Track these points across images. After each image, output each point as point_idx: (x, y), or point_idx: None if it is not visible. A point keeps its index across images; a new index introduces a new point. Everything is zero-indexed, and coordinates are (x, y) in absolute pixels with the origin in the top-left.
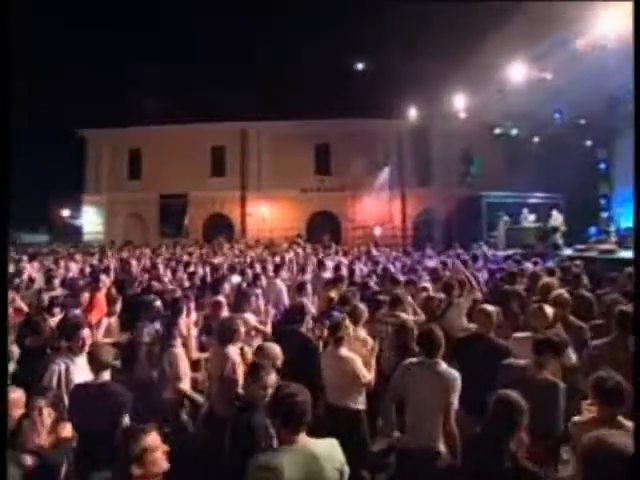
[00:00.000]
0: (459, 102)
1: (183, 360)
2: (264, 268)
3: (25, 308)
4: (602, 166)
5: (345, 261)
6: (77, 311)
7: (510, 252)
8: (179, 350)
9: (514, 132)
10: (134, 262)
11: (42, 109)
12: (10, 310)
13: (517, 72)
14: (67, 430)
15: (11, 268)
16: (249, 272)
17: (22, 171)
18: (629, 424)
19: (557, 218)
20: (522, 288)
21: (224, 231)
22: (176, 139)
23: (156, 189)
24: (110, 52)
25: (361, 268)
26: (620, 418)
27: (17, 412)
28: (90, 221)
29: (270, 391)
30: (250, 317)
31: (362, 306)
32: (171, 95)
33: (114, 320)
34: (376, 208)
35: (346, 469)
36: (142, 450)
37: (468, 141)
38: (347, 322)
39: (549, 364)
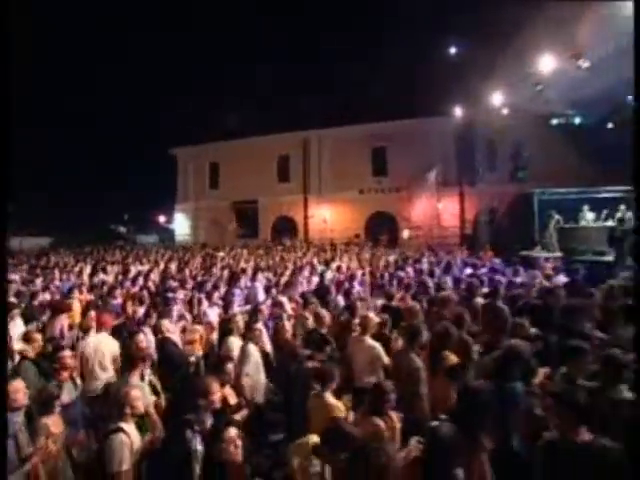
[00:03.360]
0: (499, 97)
1: None
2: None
3: None
4: None
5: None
6: None
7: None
8: None
9: (577, 121)
10: None
11: (143, 132)
12: None
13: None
14: None
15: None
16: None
17: (131, 185)
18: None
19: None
20: None
21: (289, 232)
22: (247, 151)
23: (231, 196)
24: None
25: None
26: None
27: None
28: (180, 225)
29: None
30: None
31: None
32: (241, 111)
33: None
34: (428, 208)
35: None
36: None
37: (519, 135)
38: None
39: None
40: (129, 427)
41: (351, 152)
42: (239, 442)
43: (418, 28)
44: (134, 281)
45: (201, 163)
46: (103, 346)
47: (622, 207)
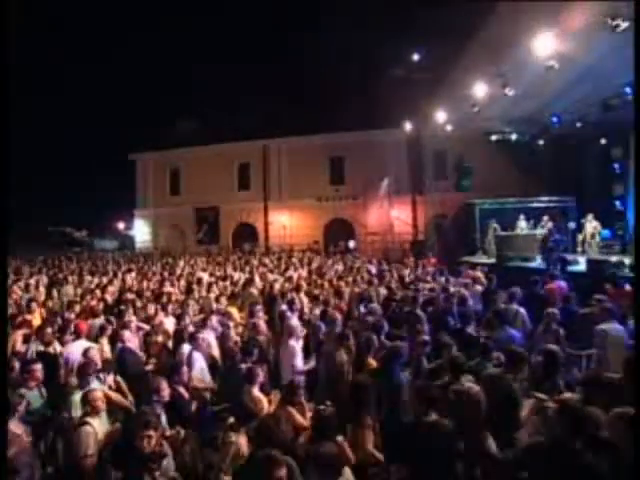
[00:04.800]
0: (444, 115)
1: None
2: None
3: None
4: (617, 166)
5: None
6: None
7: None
8: None
9: (514, 137)
10: None
11: (101, 137)
12: None
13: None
14: None
15: None
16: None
17: (87, 188)
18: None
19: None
20: None
21: (250, 238)
22: (208, 158)
23: (192, 203)
24: (142, 85)
25: None
26: None
27: None
28: (140, 232)
29: None
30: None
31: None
32: (201, 119)
33: None
34: (382, 215)
35: None
36: None
37: (463, 149)
38: None
39: None
40: (94, 421)
41: (310, 161)
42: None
43: (373, 45)
44: (92, 293)
45: (161, 169)
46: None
47: (545, 218)
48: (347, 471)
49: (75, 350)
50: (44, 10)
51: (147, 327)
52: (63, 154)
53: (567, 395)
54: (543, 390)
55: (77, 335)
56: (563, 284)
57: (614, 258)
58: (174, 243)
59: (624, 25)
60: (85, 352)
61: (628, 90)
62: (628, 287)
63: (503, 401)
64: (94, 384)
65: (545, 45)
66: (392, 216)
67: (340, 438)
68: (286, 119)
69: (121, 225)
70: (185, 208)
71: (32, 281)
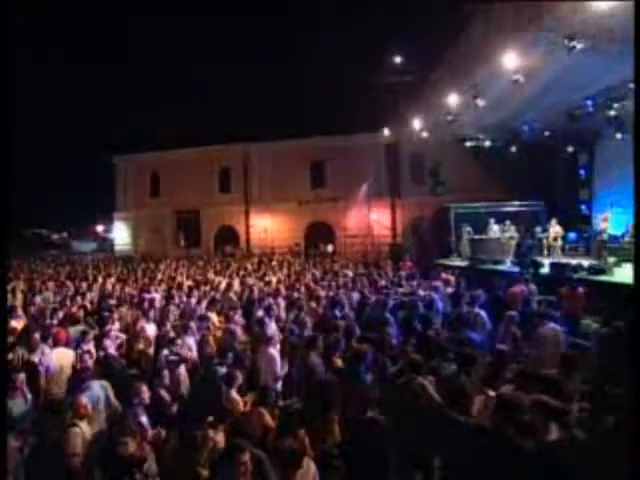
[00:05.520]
0: (420, 122)
1: None
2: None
3: None
4: (582, 172)
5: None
6: None
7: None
8: None
9: (487, 144)
10: None
11: (81, 140)
12: None
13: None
14: None
15: None
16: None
17: (65, 190)
18: None
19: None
20: None
21: (231, 241)
22: (189, 161)
23: (173, 206)
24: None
25: None
26: None
27: None
28: (120, 235)
29: None
30: None
31: None
32: (183, 122)
33: None
34: (362, 218)
35: None
36: None
37: (439, 154)
38: None
39: None
40: (82, 423)
41: (291, 164)
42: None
43: (355, 49)
44: (72, 300)
45: (142, 172)
46: (65, 359)
47: (507, 222)
48: (307, 461)
49: (54, 358)
50: (23, 9)
51: (123, 336)
52: (40, 155)
53: (504, 387)
54: (493, 387)
55: (56, 343)
56: (524, 288)
57: (574, 261)
58: (154, 246)
59: (579, 46)
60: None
61: (589, 102)
62: (581, 289)
63: (457, 398)
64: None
65: (511, 61)
66: (371, 219)
67: (302, 432)
68: (268, 123)
69: (100, 228)
70: (166, 211)
71: (9, 287)
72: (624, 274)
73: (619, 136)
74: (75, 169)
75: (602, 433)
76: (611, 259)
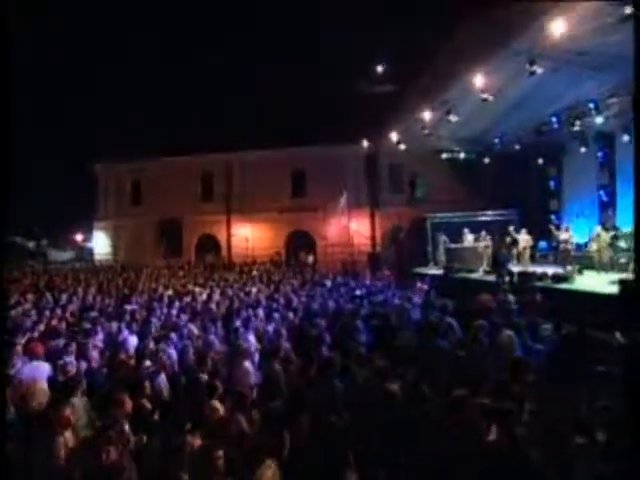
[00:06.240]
0: (397, 135)
1: None
2: None
3: None
4: (552, 183)
5: None
6: None
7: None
8: None
9: (462, 155)
10: None
11: (60, 146)
12: None
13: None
14: None
15: None
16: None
17: (42, 197)
18: None
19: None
20: None
21: (212, 250)
22: (171, 170)
23: (154, 214)
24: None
25: None
26: None
27: None
28: (100, 244)
29: None
30: None
31: None
32: (165, 130)
33: None
34: (342, 228)
35: None
36: None
37: (416, 166)
38: None
39: None
40: (66, 433)
41: (272, 174)
42: None
43: (338, 61)
44: (52, 312)
45: (123, 180)
46: (39, 371)
47: (483, 233)
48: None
49: (28, 371)
50: None
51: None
52: (18, 161)
53: (457, 391)
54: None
55: (32, 356)
56: (492, 297)
57: (540, 269)
58: (135, 255)
59: (539, 70)
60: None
61: (554, 119)
62: (539, 297)
63: (419, 402)
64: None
65: (480, 81)
66: (351, 229)
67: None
68: (250, 132)
69: (79, 237)
70: (147, 220)
71: None
72: (583, 282)
73: (583, 150)
74: (54, 176)
75: (541, 431)
76: (570, 267)
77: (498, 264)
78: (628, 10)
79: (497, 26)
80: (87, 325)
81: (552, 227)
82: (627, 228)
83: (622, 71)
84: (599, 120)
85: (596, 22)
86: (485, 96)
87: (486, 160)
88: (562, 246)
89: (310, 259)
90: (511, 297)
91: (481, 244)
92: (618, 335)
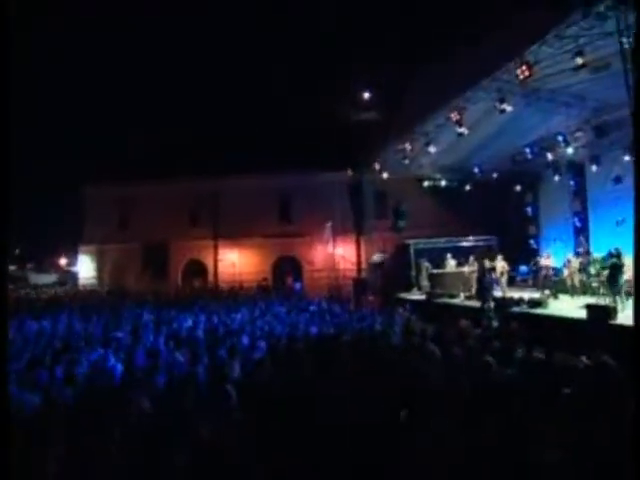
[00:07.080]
0: (380, 164)
1: None
2: None
3: None
4: (529, 209)
5: None
6: None
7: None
8: None
9: (443, 183)
10: None
11: (45, 169)
12: None
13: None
14: None
15: None
16: None
17: (25, 220)
18: None
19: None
20: None
21: (199, 275)
22: (159, 194)
23: (141, 239)
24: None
25: None
26: None
27: None
28: (85, 268)
29: None
30: None
31: None
32: (153, 154)
33: None
34: (328, 253)
35: None
36: None
37: (399, 193)
38: None
39: None
40: None
41: (259, 200)
42: None
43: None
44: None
45: (110, 203)
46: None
47: (471, 258)
48: None
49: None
50: None
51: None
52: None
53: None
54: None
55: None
56: (469, 323)
57: (517, 295)
58: (121, 280)
59: (509, 109)
60: None
61: (527, 150)
62: (514, 324)
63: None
64: None
65: (455, 117)
66: (337, 254)
67: None
68: (237, 159)
69: (63, 260)
70: (134, 244)
71: None
72: (557, 306)
73: (557, 178)
74: (39, 199)
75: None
76: (548, 292)
77: (483, 289)
78: (580, 61)
79: (469, 65)
80: (74, 355)
81: (539, 259)
82: (599, 253)
83: (584, 108)
84: (570, 150)
85: (557, 67)
86: (461, 130)
87: (467, 187)
88: (543, 272)
89: (298, 286)
90: (495, 323)
91: (467, 269)
92: (584, 358)
